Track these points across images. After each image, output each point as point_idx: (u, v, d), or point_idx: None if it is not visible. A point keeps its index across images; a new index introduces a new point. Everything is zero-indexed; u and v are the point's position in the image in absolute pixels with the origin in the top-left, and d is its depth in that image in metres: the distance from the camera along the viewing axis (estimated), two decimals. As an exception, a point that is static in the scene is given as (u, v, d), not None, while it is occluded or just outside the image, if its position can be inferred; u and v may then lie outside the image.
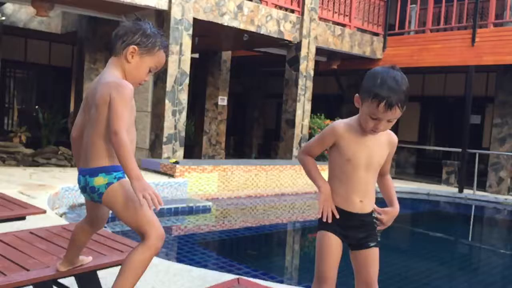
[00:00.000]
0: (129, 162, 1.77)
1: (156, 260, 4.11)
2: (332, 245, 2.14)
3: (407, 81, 2.01)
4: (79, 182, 1.96)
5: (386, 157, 2.25)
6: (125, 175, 1.89)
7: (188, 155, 10.26)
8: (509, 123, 11.42)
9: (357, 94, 2.07)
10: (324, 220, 2.11)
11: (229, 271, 4.36)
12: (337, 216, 2.12)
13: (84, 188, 1.93)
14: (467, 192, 10.78)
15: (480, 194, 10.79)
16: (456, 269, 5.99)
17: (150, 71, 1.99)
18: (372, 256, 2.20)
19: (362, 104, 2.03)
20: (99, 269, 2.26)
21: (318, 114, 11.81)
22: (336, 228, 2.15)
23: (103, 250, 2.38)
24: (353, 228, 2.17)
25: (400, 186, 11.15)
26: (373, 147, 2.14)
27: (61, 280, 2.38)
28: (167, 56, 2.06)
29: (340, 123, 2.14)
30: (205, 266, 4.50)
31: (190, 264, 4.29)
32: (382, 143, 2.18)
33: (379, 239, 2.25)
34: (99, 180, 1.87)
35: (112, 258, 2.27)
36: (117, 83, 1.85)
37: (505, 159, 11.48)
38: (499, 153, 11.44)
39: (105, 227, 5.39)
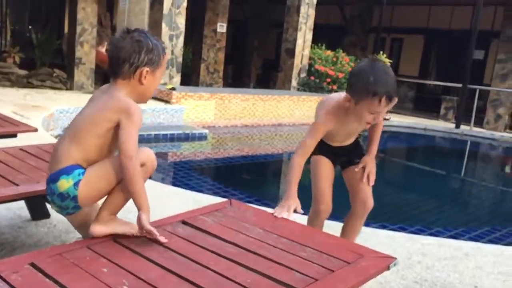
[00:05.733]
0: (143, 190, 1.66)
1: (150, 182, 4.13)
2: (325, 165, 2.38)
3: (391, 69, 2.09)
4: (47, 194, 1.75)
5: None
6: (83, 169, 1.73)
7: (185, 82, 10.10)
8: (513, 60, 11.22)
9: (347, 94, 2.08)
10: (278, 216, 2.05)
11: (223, 196, 4.40)
12: (290, 219, 2.06)
13: (53, 201, 1.73)
14: (464, 128, 10.78)
15: (476, 130, 10.80)
16: (446, 202, 6.10)
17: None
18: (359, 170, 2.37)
19: (357, 103, 2.05)
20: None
21: (319, 45, 11.52)
22: (324, 151, 2.37)
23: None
24: (341, 154, 2.40)
25: (398, 121, 11.13)
26: (353, 129, 2.31)
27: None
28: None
29: (333, 117, 2.20)
30: (200, 191, 4.53)
31: (185, 189, 4.33)
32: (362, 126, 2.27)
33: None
34: (63, 184, 1.67)
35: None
36: (129, 107, 1.71)
37: (505, 96, 11.37)
38: (500, 89, 11.31)
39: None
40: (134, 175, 1.64)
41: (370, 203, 2.39)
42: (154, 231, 1.61)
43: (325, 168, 2.39)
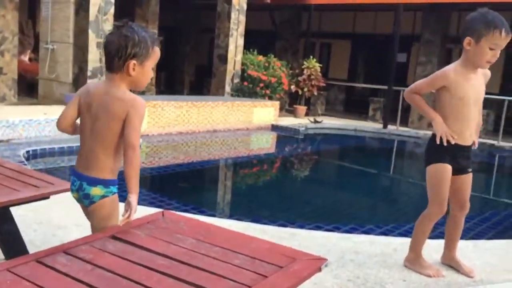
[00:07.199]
0: (138, 178, 1.93)
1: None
2: (449, 174, 2.62)
3: None
4: (73, 184, 2.05)
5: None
6: (116, 190, 2.05)
7: (115, 90, 9.83)
8: (433, 62, 11.88)
9: (468, 38, 2.47)
10: (445, 143, 2.55)
11: (159, 207, 4.33)
12: (455, 137, 2.56)
13: (77, 191, 2.03)
14: (391, 127, 11.30)
15: (402, 129, 11.35)
16: (378, 199, 6.35)
17: (152, 68, 2.05)
18: (468, 180, 2.72)
19: (478, 42, 2.44)
20: (12, 205, 2.12)
21: (251, 50, 11.64)
22: (449, 159, 2.62)
23: (16, 186, 2.23)
24: (462, 158, 2.66)
25: (330, 123, 11.47)
26: (478, 85, 2.57)
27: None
28: (160, 46, 2.07)
29: (451, 69, 2.55)
30: (134, 202, 4.41)
31: (119, 201, 4.19)
32: (482, 81, 2.62)
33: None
34: (96, 191, 1.99)
35: (26, 193, 2.13)
36: (134, 100, 1.95)
37: (427, 96, 11.97)
38: (422, 90, 11.93)
39: (25, 164, 5.11)
40: (134, 163, 1.91)
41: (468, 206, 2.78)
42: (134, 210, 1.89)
43: (449, 177, 2.65)
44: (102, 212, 2.00)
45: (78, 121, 2.09)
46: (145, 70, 1.98)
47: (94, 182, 1.99)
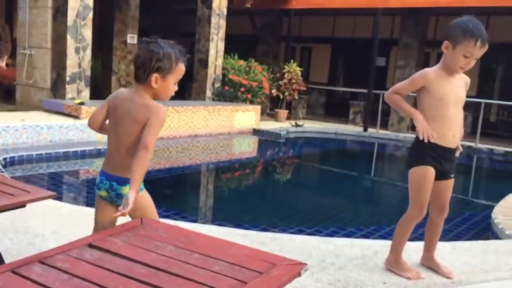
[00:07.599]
0: (141, 176, 2.05)
1: (60, 203, 3.92)
2: (431, 177, 2.63)
3: None
4: (101, 182, 2.19)
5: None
6: (143, 186, 2.19)
7: (95, 96, 9.71)
8: (410, 65, 12.05)
9: (446, 41, 2.53)
10: (426, 140, 2.55)
11: (139, 213, 4.28)
12: (435, 137, 2.56)
13: (107, 191, 2.18)
14: (371, 130, 11.41)
15: (382, 132, 11.47)
16: (359, 202, 6.39)
17: (175, 83, 2.17)
18: (450, 185, 2.74)
19: (454, 48, 2.49)
20: (-14, 214, 2.08)
21: (232, 55, 11.65)
22: (432, 161, 2.62)
23: (-10, 195, 2.18)
24: (446, 161, 2.65)
25: (311, 126, 11.53)
26: (457, 87, 2.61)
27: None
28: (186, 62, 2.19)
29: (430, 70, 2.61)
30: (114, 209, 4.36)
31: (98, 207, 4.14)
32: (462, 84, 2.67)
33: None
34: (127, 190, 2.08)
35: (1, 202, 2.09)
36: (157, 108, 2.09)
37: (406, 99, 12.11)
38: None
39: (2, 171, 5.02)
40: (142, 162, 2.02)
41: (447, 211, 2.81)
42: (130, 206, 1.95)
43: (432, 179, 2.66)
44: (136, 207, 2.08)
45: (107, 121, 2.25)
46: (166, 84, 2.11)
47: (123, 181, 2.14)
